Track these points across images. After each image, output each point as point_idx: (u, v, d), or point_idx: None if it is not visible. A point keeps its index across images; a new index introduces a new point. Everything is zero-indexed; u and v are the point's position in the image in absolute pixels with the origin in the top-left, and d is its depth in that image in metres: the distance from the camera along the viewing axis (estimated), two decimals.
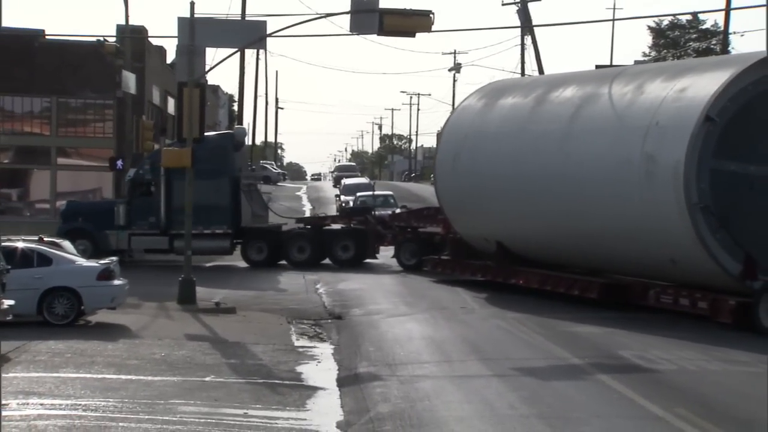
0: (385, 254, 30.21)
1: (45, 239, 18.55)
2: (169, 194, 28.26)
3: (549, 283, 22.04)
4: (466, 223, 24.96)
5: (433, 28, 19.85)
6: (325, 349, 16.13)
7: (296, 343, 16.51)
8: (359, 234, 29.52)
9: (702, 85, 18.35)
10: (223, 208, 28.49)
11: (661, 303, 19.14)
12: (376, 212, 31.82)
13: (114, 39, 35.44)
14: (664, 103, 18.83)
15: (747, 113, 17.86)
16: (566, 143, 21.13)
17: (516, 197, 22.45)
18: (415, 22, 19.82)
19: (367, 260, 29.86)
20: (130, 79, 34.16)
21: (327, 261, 29.23)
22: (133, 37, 35.72)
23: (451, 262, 25.85)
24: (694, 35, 69.55)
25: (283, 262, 29.09)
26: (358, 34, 20.61)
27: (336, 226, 30.07)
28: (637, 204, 18.88)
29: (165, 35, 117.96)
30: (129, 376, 12.81)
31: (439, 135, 25.70)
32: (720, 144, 17.85)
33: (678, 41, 70.06)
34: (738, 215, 17.91)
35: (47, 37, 37.75)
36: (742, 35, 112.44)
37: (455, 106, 25.90)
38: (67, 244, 19.01)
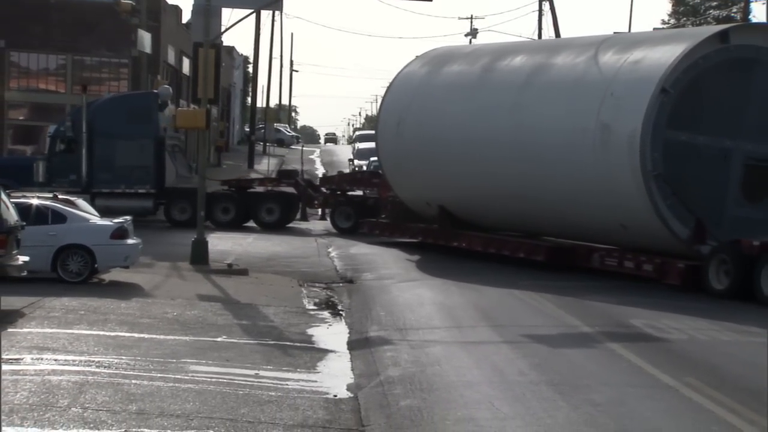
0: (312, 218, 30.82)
1: (60, 196, 18.62)
2: (90, 152, 27.82)
3: (493, 245, 22.78)
4: (408, 186, 25.50)
5: None
6: (336, 313, 16.20)
7: (307, 306, 16.59)
8: (284, 197, 29.65)
9: (656, 57, 19.24)
10: (146, 167, 28.21)
11: (606, 266, 20.17)
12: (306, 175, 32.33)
13: None
14: (619, 74, 19.71)
15: (697, 86, 18.77)
16: (518, 111, 21.74)
17: (463, 162, 23.01)
18: None
19: (298, 224, 30.22)
20: (145, 39, 34.05)
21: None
22: None
23: (390, 224, 26.50)
24: (714, 3, 68.71)
25: (207, 223, 29.15)
26: None
27: (261, 189, 30.13)
28: (591, 171, 19.73)
29: None
30: (142, 335, 12.91)
31: (381, 101, 26.25)
32: (672, 115, 18.71)
33: (698, 9, 69.25)
34: (687, 183, 18.78)
35: None
36: (764, 3, 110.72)
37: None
38: (81, 202, 19.08)
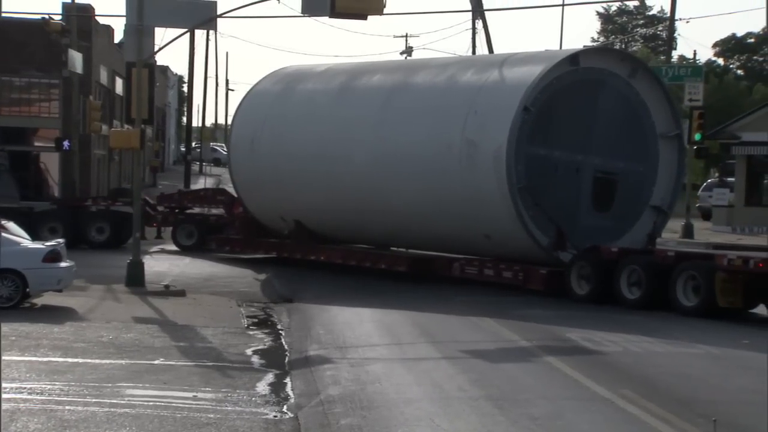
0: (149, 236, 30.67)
1: None
2: None
3: (353, 258, 23.54)
4: (261, 202, 25.84)
5: (385, 10, 19.83)
6: (275, 332, 16.11)
7: (246, 326, 16.47)
8: (117, 216, 28.82)
9: (516, 78, 20.67)
10: None
11: (466, 274, 21.23)
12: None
13: (59, 17, 34.77)
14: (481, 93, 20.96)
15: (552, 104, 20.20)
16: (381, 127, 22.52)
17: (321, 177, 23.56)
18: (367, 5, 19.74)
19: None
20: (76, 59, 33.52)
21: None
22: (79, 15, 35.08)
23: (241, 240, 26.78)
24: (641, 21, 70.56)
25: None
26: (309, 16, 20.54)
27: (93, 208, 29.42)
28: (457, 184, 20.78)
29: (113, 14, 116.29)
30: (76, 359, 12.68)
31: (232, 119, 26.68)
32: (532, 131, 19.96)
33: (625, 27, 71.03)
34: (546, 195, 20.14)
35: None
36: (687, 22, 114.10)
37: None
38: (12, 225, 18.66)
